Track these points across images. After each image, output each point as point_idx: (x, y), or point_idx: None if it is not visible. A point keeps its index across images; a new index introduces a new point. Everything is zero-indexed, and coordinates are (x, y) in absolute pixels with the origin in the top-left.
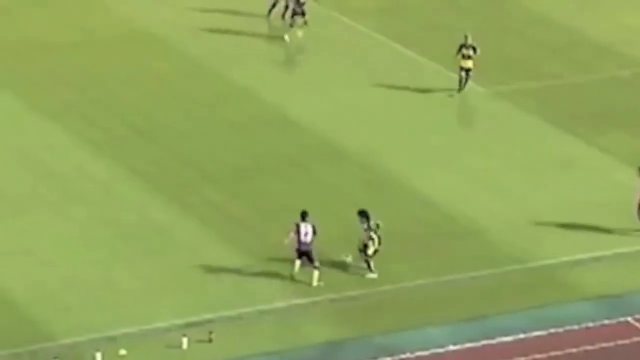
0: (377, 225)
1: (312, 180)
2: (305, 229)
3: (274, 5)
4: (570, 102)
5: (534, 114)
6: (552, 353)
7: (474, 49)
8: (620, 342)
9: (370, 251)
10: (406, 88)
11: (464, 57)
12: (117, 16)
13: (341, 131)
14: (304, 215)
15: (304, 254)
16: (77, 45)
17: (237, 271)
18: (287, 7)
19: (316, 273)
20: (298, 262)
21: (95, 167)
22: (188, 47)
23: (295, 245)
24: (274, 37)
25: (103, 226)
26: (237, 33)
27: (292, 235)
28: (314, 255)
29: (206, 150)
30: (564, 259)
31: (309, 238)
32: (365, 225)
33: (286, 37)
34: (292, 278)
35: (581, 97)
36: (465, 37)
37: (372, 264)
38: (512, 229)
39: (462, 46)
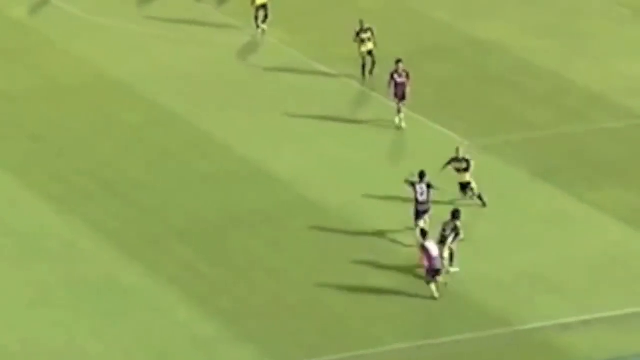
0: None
1: (288, 236)
2: None
3: None
4: (560, 154)
5: (521, 167)
6: None
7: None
8: None
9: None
10: (389, 140)
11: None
12: (82, 63)
13: (319, 186)
14: None
15: None
16: (39, 92)
17: (207, 334)
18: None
19: None
20: None
21: (58, 223)
22: (158, 96)
23: None
24: (248, 86)
25: (65, 285)
26: (210, 82)
27: None
28: None
29: (175, 204)
30: (553, 322)
31: None
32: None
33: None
34: None
35: (572, 148)
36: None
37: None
38: (498, 290)
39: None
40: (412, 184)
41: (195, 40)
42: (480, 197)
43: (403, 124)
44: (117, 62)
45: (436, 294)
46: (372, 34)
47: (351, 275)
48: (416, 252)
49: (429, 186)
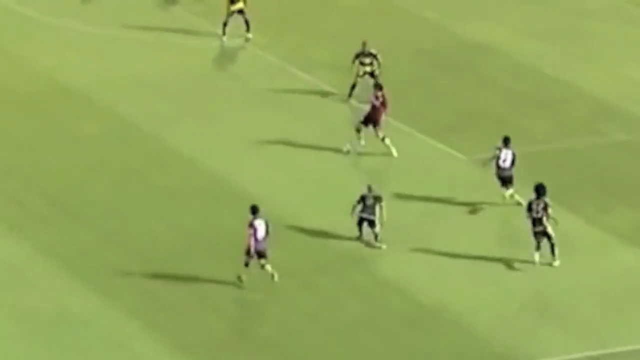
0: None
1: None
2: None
3: None
4: (564, 170)
5: (521, 185)
6: None
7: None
8: None
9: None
10: (378, 152)
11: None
12: (35, 70)
13: (291, 204)
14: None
15: None
16: None
17: None
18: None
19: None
20: None
21: (6, 248)
22: (117, 106)
23: None
24: (213, 94)
25: (15, 319)
26: (173, 90)
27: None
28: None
29: (136, 226)
30: (557, 358)
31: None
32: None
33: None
34: None
35: (577, 164)
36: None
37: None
38: (500, 322)
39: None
40: (363, 198)
41: (161, 44)
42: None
43: (393, 152)
44: (73, 67)
45: (243, 277)
46: (376, 60)
47: (325, 302)
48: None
49: (376, 199)
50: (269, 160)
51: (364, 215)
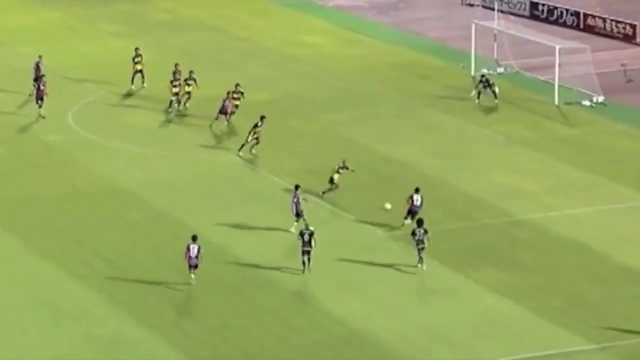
0: None
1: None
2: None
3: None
4: (450, 243)
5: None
6: None
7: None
8: None
9: None
10: (332, 240)
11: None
12: (97, 176)
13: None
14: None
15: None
16: (65, 197)
17: None
18: None
19: None
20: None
21: (80, 293)
22: (152, 200)
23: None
24: (222, 192)
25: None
26: (193, 190)
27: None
28: None
29: (169, 285)
30: None
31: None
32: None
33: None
34: None
35: (459, 239)
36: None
37: None
38: (403, 341)
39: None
40: (302, 234)
41: (184, 159)
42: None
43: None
44: (123, 174)
45: (193, 282)
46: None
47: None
48: None
49: (311, 234)
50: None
51: (305, 249)
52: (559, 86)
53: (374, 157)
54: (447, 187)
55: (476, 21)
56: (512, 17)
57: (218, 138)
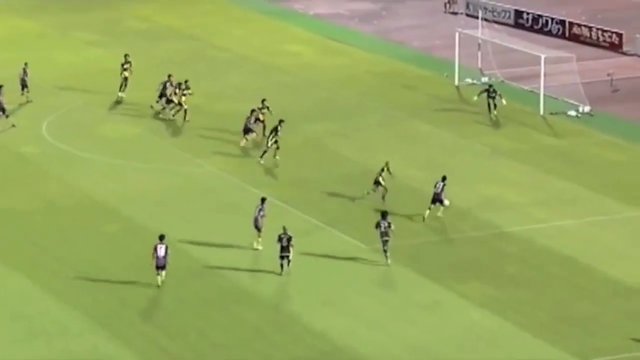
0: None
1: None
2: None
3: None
4: (435, 255)
5: (406, 266)
6: None
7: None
8: None
9: None
10: (309, 250)
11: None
12: (72, 188)
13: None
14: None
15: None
16: (38, 211)
17: None
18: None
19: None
20: None
21: (56, 307)
22: (128, 211)
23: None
24: (193, 204)
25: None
26: (167, 201)
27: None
28: None
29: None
30: None
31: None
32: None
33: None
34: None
35: (444, 251)
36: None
37: None
38: (388, 357)
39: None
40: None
41: (158, 171)
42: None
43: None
44: (99, 187)
45: (159, 283)
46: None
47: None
48: None
49: (289, 239)
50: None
51: (283, 254)
52: (545, 96)
53: (356, 169)
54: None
55: (460, 30)
56: (496, 25)
57: (196, 149)
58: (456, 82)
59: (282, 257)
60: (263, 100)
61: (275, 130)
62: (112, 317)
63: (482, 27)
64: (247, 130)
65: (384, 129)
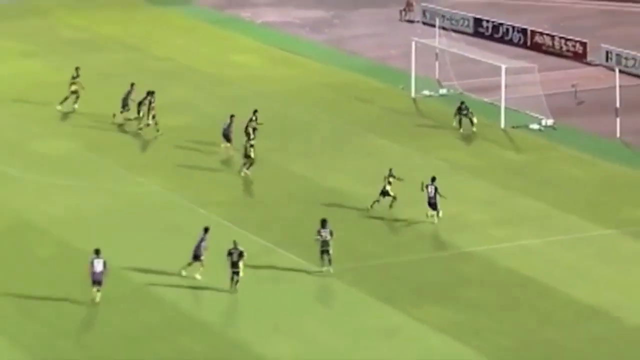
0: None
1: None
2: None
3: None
4: (392, 279)
5: (361, 289)
6: None
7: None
8: None
9: None
10: (258, 273)
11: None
12: (4, 210)
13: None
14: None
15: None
16: None
17: None
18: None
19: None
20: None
21: None
22: (65, 235)
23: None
24: (131, 225)
25: None
26: (104, 222)
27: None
28: None
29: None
30: None
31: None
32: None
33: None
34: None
35: (401, 274)
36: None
37: None
38: None
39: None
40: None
41: (95, 190)
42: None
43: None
44: (33, 208)
45: (97, 300)
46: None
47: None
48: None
49: (240, 254)
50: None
51: (234, 270)
52: (506, 109)
53: (308, 187)
54: (387, 218)
55: (416, 39)
56: (454, 34)
57: (138, 167)
58: (413, 94)
59: (232, 273)
60: (255, 111)
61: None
62: (47, 348)
63: (440, 35)
64: (227, 138)
65: (337, 144)
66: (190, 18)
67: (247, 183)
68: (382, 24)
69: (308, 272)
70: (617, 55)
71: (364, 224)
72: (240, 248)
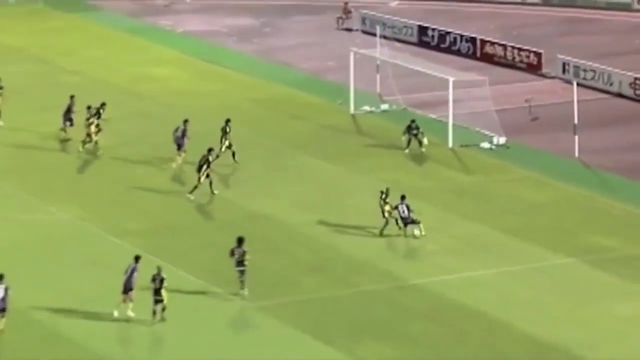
0: None
1: None
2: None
3: None
4: (328, 314)
5: (294, 326)
6: None
7: None
8: None
9: None
10: (181, 311)
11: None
12: None
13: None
14: None
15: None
16: None
17: None
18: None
19: None
20: None
21: None
22: None
23: None
24: (44, 258)
25: None
26: (9, 255)
27: None
28: None
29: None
30: None
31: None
32: None
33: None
34: None
35: (338, 309)
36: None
37: None
38: None
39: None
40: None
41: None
42: None
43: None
44: None
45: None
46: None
47: None
48: None
49: (162, 280)
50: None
51: (156, 297)
52: (454, 126)
53: (236, 214)
54: (324, 247)
55: (355, 49)
56: (397, 44)
57: (49, 193)
58: (352, 110)
59: (156, 302)
60: (227, 121)
61: (206, 161)
62: None
63: (381, 45)
64: (179, 146)
65: (268, 167)
66: (103, 26)
67: (169, 209)
68: (318, 33)
69: (239, 309)
70: (575, 66)
71: (297, 254)
72: (163, 275)
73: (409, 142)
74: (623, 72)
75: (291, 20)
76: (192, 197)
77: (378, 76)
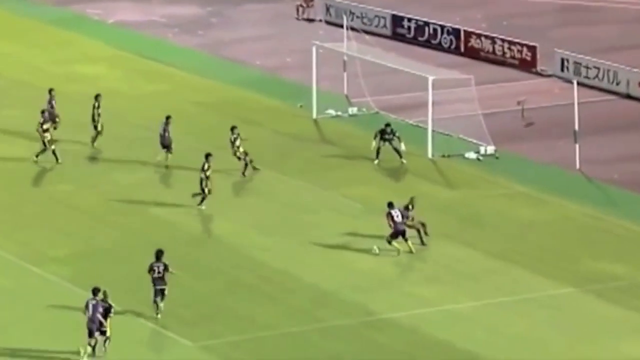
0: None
1: None
2: None
3: None
4: (287, 353)
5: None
6: None
7: None
8: None
9: None
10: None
11: None
12: None
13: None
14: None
15: None
16: None
17: None
18: None
19: None
20: None
21: None
22: None
23: None
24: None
25: None
26: None
27: None
28: None
29: None
30: None
31: None
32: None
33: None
34: None
35: (299, 347)
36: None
37: None
38: None
39: None
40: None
41: None
42: None
43: None
44: None
45: None
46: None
47: None
48: None
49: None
50: None
51: (101, 328)
52: (434, 132)
53: (180, 236)
54: (283, 276)
55: (318, 43)
56: (367, 37)
57: None
58: (314, 115)
59: (101, 332)
60: (233, 128)
61: (208, 168)
62: None
63: (349, 39)
64: (164, 145)
65: (217, 180)
66: (20, 17)
67: (98, 231)
68: (274, 24)
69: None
70: (576, 63)
71: (251, 284)
72: (110, 302)
73: (378, 150)
74: (631, 69)
75: (243, 9)
76: (203, 207)
77: (345, 74)
